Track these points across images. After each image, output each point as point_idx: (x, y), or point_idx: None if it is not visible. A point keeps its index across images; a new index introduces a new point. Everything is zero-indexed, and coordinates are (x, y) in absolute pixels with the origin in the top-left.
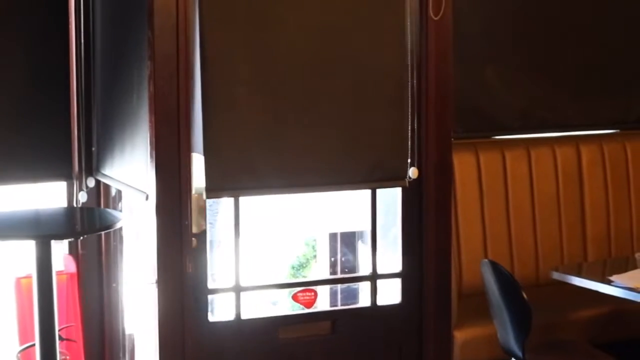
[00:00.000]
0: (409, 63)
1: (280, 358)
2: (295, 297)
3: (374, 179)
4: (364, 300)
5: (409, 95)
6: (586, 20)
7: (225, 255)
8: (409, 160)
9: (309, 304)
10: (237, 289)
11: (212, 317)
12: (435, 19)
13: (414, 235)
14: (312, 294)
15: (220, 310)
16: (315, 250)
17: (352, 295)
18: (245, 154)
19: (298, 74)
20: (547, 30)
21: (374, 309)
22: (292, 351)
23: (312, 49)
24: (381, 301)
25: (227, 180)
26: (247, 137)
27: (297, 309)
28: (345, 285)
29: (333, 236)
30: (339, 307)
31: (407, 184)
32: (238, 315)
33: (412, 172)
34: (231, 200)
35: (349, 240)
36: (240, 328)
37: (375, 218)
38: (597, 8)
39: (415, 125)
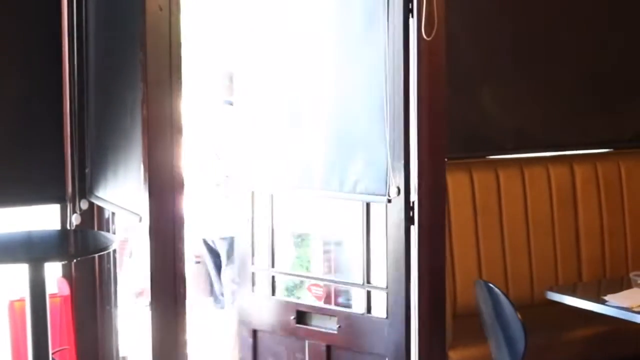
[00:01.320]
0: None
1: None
2: (309, 289)
3: (356, 191)
4: (360, 307)
5: (387, 115)
6: (580, 40)
7: None
8: (388, 179)
9: (319, 298)
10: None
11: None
12: (428, 39)
13: (400, 252)
14: (322, 290)
15: None
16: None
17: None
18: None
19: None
20: (541, 50)
21: (367, 318)
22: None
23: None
24: (374, 312)
25: None
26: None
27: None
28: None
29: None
30: (342, 308)
31: (388, 201)
32: None
33: (392, 191)
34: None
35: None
36: None
37: (369, 230)
38: (591, 28)
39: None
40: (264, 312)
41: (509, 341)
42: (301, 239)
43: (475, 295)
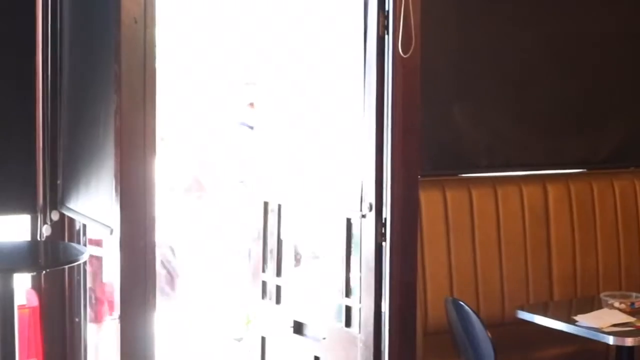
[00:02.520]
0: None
1: None
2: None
3: (338, 206)
4: (340, 321)
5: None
6: (555, 60)
7: None
8: (361, 195)
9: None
10: None
11: None
12: (405, 56)
13: (372, 268)
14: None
15: None
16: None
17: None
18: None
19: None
20: (516, 69)
21: (345, 332)
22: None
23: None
24: (351, 324)
25: None
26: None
27: None
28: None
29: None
30: (329, 321)
31: (361, 216)
32: None
33: (364, 206)
34: None
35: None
36: None
37: (350, 244)
38: (566, 48)
39: (385, 161)
40: (270, 320)
41: (479, 359)
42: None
43: (446, 312)
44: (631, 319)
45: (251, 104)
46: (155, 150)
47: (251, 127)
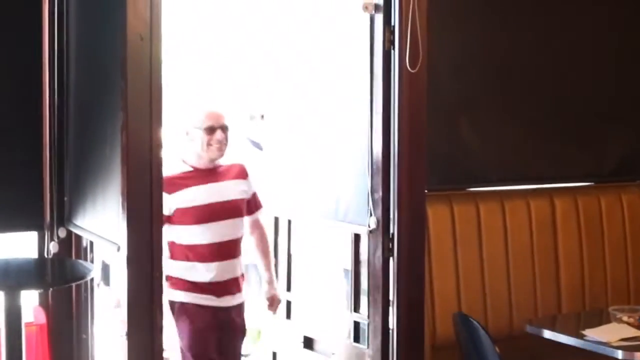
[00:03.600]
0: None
1: None
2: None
3: (346, 220)
4: (349, 335)
5: (371, 149)
6: (563, 74)
7: None
8: (369, 210)
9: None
10: None
11: None
12: (412, 71)
13: (379, 283)
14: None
15: None
16: None
17: None
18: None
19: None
20: (523, 83)
21: (354, 347)
22: None
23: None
24: (359, 340)
25: None
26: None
27: None
28: None
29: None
30: (337, 336)
31: (369, 232)
32: None
33: (371, 221)
34: None
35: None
36: None
37: (359, 259)
38: (571, 62)
39: (392, 176)
40: (280, 335)
41: None
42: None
43: (454, 327)
44: (639, 333)
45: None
46: (162, 167)
47: (260, 148)
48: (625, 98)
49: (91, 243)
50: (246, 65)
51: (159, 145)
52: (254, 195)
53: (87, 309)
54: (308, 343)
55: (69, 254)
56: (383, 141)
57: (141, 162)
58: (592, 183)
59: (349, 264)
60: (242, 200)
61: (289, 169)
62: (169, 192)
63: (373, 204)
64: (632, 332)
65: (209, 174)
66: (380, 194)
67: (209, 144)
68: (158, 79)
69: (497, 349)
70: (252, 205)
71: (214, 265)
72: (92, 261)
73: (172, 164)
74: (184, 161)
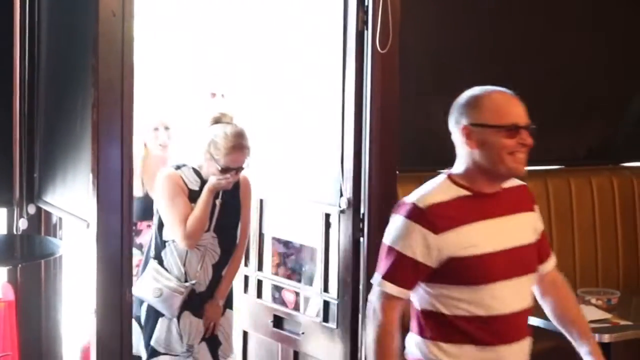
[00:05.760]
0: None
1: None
2: (283, 294)
3: (317, 200)
4: (318, 315)
5: (343, 130)
6: (534, 57)
7: None
8: (340, 190)
9: (290, 304)
10: None
11: None
12: (382, 52)
13: (349, 264)
14: (293, 296)
15: None
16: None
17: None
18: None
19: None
20: (494, 64)
21: (323, 327)
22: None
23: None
24: (329, 319)
25: None
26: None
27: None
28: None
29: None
30: (306, 315)
31: (340, 212)
32: None
33: (342, 202)
34: None
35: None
36: None
37: (328, 239)
38: (545, 45)
39: (363, 157)
40: (251, 314)
41: None
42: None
43: None
44: (608, 316)
45: (213, 94)
46: (133, 144)
47: None
48: (597, 84)
49: (61, 220)
50: (215, 46)
51: (130, 122)
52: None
53: (55, 286)
54: (278, 322)
55: (38, 230)
56: (355, 122)
57: (112, 139)
58: (563, 166)
59: (318, 244)
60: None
61: (260, 150)
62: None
63: (344, 185)
64: (600, 314)
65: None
66: (352, 174)
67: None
68: (130, 56)
69: None
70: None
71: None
72: (61, 238)
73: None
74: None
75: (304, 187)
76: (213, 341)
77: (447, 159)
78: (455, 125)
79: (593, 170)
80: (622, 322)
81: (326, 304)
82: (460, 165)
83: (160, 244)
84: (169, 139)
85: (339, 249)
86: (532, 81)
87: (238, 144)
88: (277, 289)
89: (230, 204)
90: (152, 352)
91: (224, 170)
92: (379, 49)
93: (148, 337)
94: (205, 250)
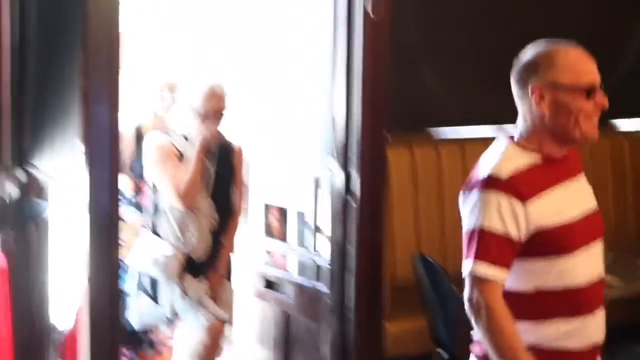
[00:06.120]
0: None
1: None
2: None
3: (306, 162)
4: (307, 276)
5: (333, 92)
6: (525, 20)
7: None
8: (330, 152)
9: (282, 267)
10: None
11: None
12: (373, 16)
13: (340, 224)
14: (282, 258)
15: None
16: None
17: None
18: None
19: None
20: (487, 30)
21: (315, 288)
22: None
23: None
24: (320, 281)
25: None
26: None
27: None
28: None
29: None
30: (297, 278)
31: (330, 174)
32: None
33: (332, 164)
34: None
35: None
36: None
37: (318, 202)
38: (533, 10)
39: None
40: (242, 276)
41: (446, 314)
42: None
43: (413, 268)
44: None
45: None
46: (120, 108)
47: None
48: (586, 44)
49: (49, 184)
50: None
51: (117, 87)
52: None
53: (44, 250)
54: (268, 285)
55: (27, 195)
56: (346, 85)
57: (100, 104)
58: None
59: (303, 207)
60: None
61: (250, 112)
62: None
63: (334, 147)
64: None
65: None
66: (342, 137)
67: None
68: (116, 20)
69: (454, 288)
70: None
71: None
72: (47, 200)
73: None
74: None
75: (293, 151)
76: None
77: (437, 122)
78: (521, 84)
79: None
80: (613, 281)
81: (317, 266)
82: (526, 129)
83: (156, 213)
84: (172, 101)
85: (330, 210)
86: (524, 45)
87: (212, 89)
88: (268, 252)
89: (225, 171)
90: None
91: (204, 117)
92: (370, 13)
93: (157, 303)
94: (201, 215)
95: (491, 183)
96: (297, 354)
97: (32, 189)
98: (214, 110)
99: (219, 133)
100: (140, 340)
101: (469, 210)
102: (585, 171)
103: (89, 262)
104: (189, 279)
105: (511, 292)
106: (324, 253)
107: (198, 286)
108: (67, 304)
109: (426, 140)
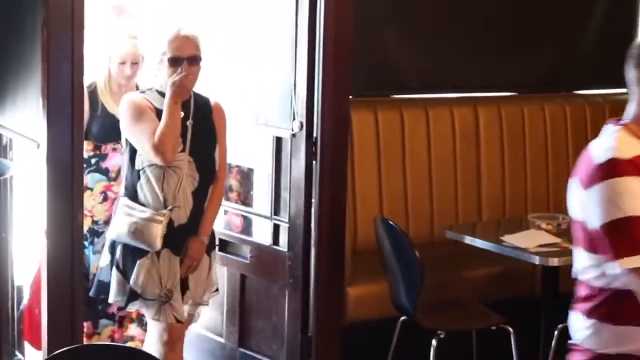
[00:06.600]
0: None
1: None
2: (229, 218)
3: (267, 124)
4: (266, 238)
5: (295, 53)
6: None
7: None
8: (292, 113)
9: (237, 228)
10: None
11: None
12: None
13: (302, 187)
14: (239, 219)
15: None
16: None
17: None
18: None
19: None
20: None
21: (273, 250)
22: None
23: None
24: (280, 243)
25: None
26: None
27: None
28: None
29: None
30: (253, 239)
31: (292, 135)
32: None
33: (295, 125)
34: None
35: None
36: None
37: (280, 162)
38: None
39: (316, 81)
40: None
41: (407, 278)
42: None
43: (375, 232)
44: (557, 240)
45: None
46: (84, 64)
47: None
48: (551, 11)
49: (11, 141)
50: None
51: (80, 41)
52: None
53: (6, 207)
54: (224, 246)
55: None
56: (308, 45)
57: (62, 59)
58: (516, 93)
59: (267, 168)
60: None
61: (211, 71)
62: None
63: (296, 108)
64: (550, 238)
65: None
66: (305, 97)
67: None
68: None
69: (417, 253)
70: None
71: None
72: (12, 159)
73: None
74: None
75: (254, 111)
76: (182, 286)
77: (400, 85)
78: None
79: (546, 97)
80: (571, 247)
81: (276, 228)
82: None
83: (134, 176)
84: (133, 74)
85: (290, 172)
86: (487, 8)
87: (179, 32)
88: (225, 212)
89: (203, 126)
90: (131, 295)
91: (174, 62)
92: None
93: (126, 279)
94: (182, 173)
95: (619, 167)
96: (253, 318)
97: None
98: (185, 55)
99: (194, 82)
100: (98, 311)
101: (601, 202)
102: (544, 137)
103: (48, 218)
104: (167, 255)
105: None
106: (283, 215)
107: (175, 269)
108: (29, 260)
109: (390, 103)
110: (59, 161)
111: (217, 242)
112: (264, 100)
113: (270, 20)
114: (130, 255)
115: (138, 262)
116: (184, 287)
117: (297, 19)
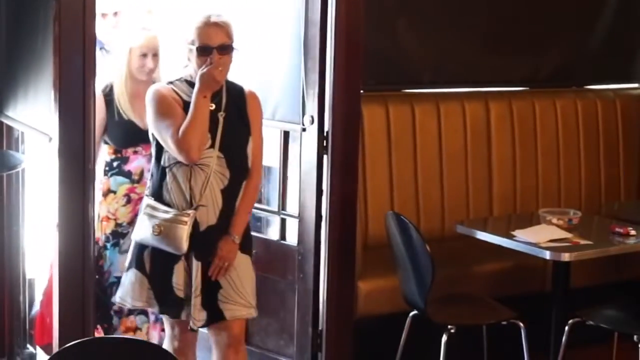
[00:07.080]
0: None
1: None
2: None
3: (275, 118)
4: (275, 234)
5: (306, 46)
6: None
7: None
8: (302, 108)
9: None
10: None
11: None
12: None
13: (313, 181)
14: None
15: None
16: None
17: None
18: None
19: None
20: None
21: (281, 245)
22: None
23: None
24: (288, 239)
25: None
26: None
27: None
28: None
29: None
30: (260, 234)
31: (302, 130)
32: None
33: (306, 119)
34: None
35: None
36: None
37: (287, 157)
38: None
39: (327, 75)
40: None
41: (418, 273)
42: None
43: (386, 226)
44: (568, 235)
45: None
46: (95, 57)
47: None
48: (564, 6)
49: (23, 134)
50: None
51: (92, 35)
52: None
53: (18, 200)
54: None
55: (0, 145)
56: (320, 39)
57: (74, 53)
58: (528, 88)
59: (275, 163)
60: None
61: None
62: None
63: (308, 102)
64: (561, 233)
65: None
66: (316, 91)
67: None
68: None
69: (428, 248)
70: None
71: None
72: (23, 152)
73: None
74: None
75: (263, 105)
76: (212, 287)
77: (412, 79)
78: None
79: (557, 92)
80: (582, 242)
81: (284, 222)
82: None
83: (160, 175)
84: (155, 67)
85: (300, 166)
86: (499, 3)
87: (208, 19)
88: None
89: (236, 119)
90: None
91: (202, 51)
92: None
93: (151, 284)
94: (210, 171)
95: None
96: (262, 313)
97: (4, 138)
98: (215, 44)
99: (225, 73)
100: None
101: None
102: (555, 133)
103: (59, 212)
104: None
105: None
106: (293, 209)
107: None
108: (41, 253)
109: (401, 97)
110: (71, 154)
111: (254, 247)
112: (274, 94)
113: (281, 13)
114: (160, 260)
115: (174, 267)
116: (215, 290)
117: (308, 12)
